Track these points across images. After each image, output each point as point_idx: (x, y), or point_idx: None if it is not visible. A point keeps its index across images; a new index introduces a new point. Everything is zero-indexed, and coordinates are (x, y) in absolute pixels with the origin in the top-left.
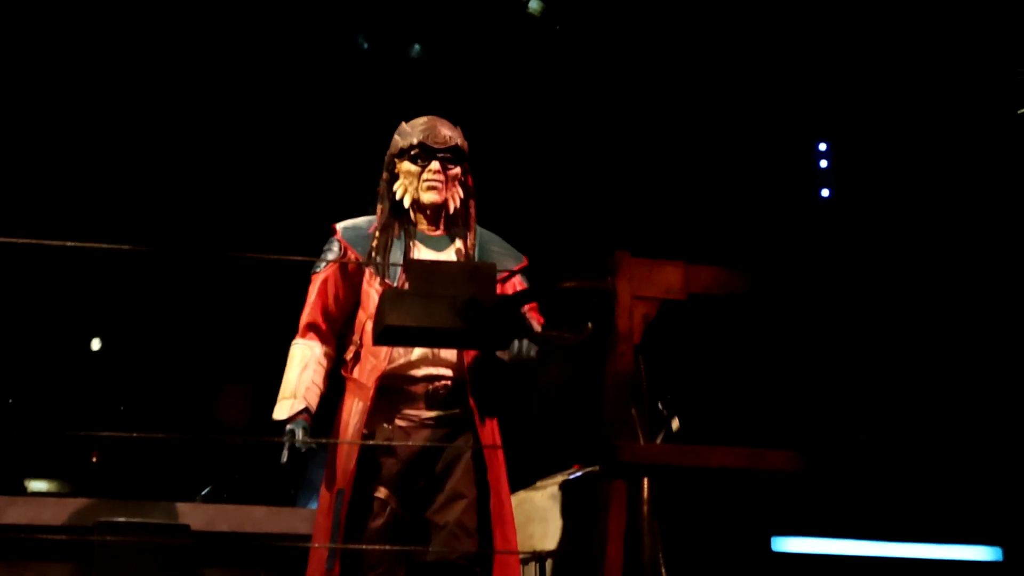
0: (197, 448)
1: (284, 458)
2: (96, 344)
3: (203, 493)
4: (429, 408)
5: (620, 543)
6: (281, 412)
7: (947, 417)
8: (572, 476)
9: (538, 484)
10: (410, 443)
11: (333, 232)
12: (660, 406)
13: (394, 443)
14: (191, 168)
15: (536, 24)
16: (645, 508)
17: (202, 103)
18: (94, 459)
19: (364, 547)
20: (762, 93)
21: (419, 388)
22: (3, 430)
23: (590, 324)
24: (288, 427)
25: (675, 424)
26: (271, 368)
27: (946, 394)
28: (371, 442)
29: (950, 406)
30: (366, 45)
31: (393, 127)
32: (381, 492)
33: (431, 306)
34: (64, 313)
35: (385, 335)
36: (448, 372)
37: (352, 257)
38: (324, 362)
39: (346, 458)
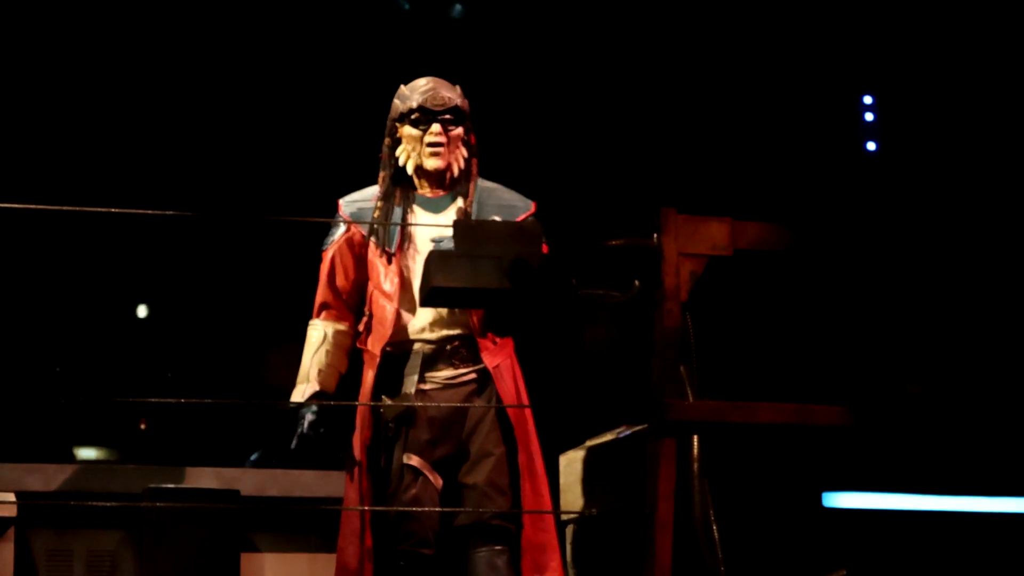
0: (245, 413)
1: (293, 444)
2: (143, 311)
3: (252, 458)
4: (451, 367)
5: (671, 501)
6: (295, 396)
7: (999, 367)
8: (621, 435)
9: (586, 444)
10: (432, 404)
11: (337, 208)
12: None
13: (415, 404)
14: (235, 132)
15: None
16: (695, 466)
17: (246, 67)
18: (142, 426)
19: (400, 509)
20: (807, 46)
21: (436, 349)
22: (51, 398)
23: (637, 282)
24: (300, 411)
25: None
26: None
27: (998, 344)
28: (383, 404)
29: (1002, 356)
30: (407, 6)
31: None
32: (414, 460)
33: (478, 267)
34: (110, 280)
35: (432, 296)
36: (462, 331)
37: (356, 231)
38: (341, 340)
39: (362, 428)
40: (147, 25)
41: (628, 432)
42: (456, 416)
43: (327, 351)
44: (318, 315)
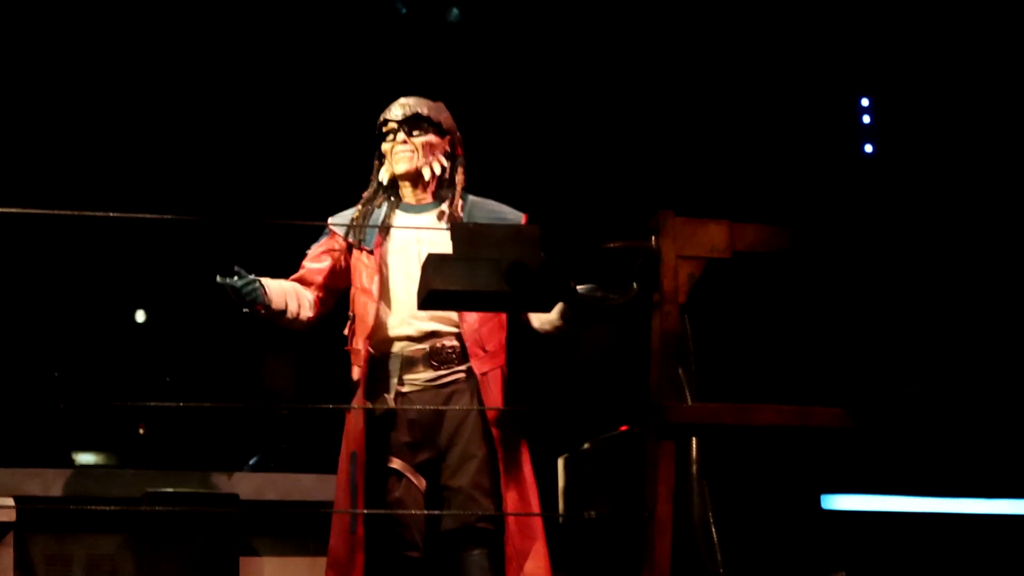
0: (244, 417)
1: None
2: (141, 316)
3: (251, 462)
4: (431, 369)
5: (669, 503)
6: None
7: (996, 369)
8: (619, 438)
9: (585, 446)
10: (414, 407)
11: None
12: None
13: (396, 408)
14: (234, 138)
15: None
16: (694, 468)
17: (244, 73)
18: (141, 430)
19: (391, 512)
20: (804, 48)
21: (420, 351)
22: (50, 403)
23: (635, 284)
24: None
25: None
26: (317, 337)
27: (995, 346)
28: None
29: (999, 358)
30: (404, 10)
31: (432, 93)
32: (395, 463)
33: (475, 270)
34: (108, 285)
35: (430, 300)
36: (448, 329)
37: (338, 240)
38: (300, 292)
39: (354, 423)
40: (143, 29)
41: (626, 434)
42: (437, 419)
43: (283, 281)
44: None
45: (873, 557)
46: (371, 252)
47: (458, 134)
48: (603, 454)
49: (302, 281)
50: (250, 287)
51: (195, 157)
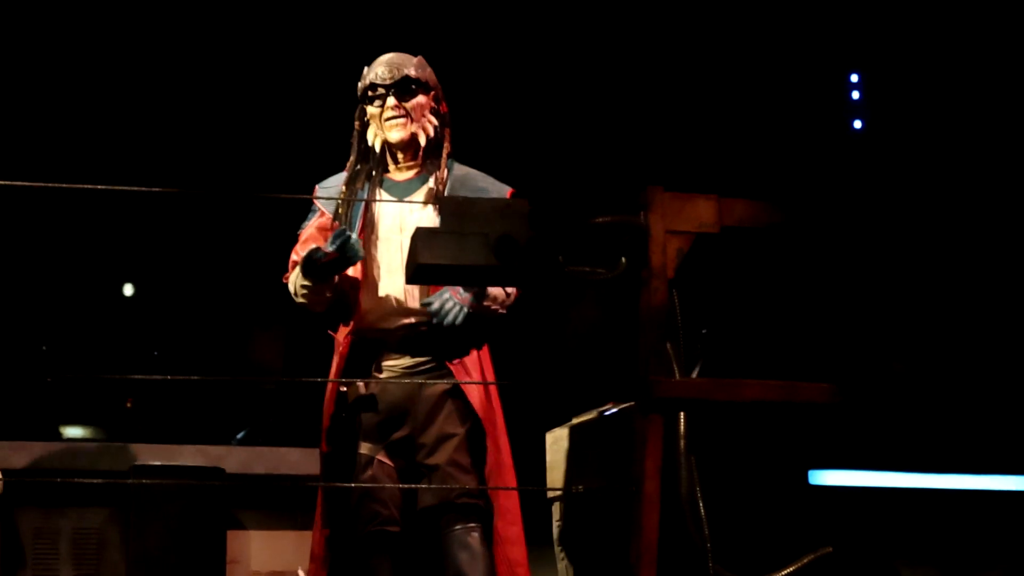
0: (231, 391)
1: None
2: (129, 289)
3: (238, 436)
4: (408, 354)
5: (657, 479)
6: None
7: (982, 346)
8: (607, 413)
9: (572, 422)
10: (385, 382)
11: (313, 193)
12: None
13: (368, 392)
14: (223, 111)
15: None
16: (682, 443)
17: (230, 49)
18: (128, 404)
19: (366, 486)
20: (793, 23)
21: (396, 336)
22: (37, 377)
23: (624, 259)
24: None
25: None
26: (304, 310)
27: (981, 323)
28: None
29: (985, 335)
30: None
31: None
32: (364, 448)
33: (464, 243)
34: (96, 258)
35: (419, 274)
36: (423, 320)
37: (326, 217)
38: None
39: (326, 412)
40: (131, 7)
41: (615, 410)
42: (409, 401)
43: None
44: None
45: (860, 532)
46: None
47: (440, 87)
48: (592, 430)
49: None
50: (354, 240)
51: (180, 130)
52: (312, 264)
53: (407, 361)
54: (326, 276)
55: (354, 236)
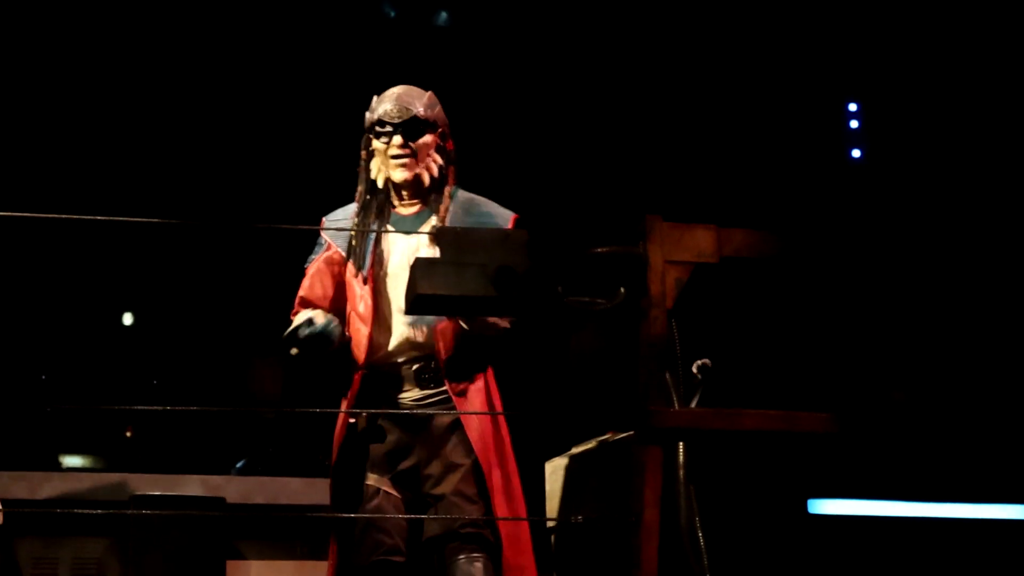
0: (231, 421)
1: (293, 351)
2: (128, 319)
3: (238, 466)
4: (417, 387)
5: (657, 508)
6: (298, 320)
7: (984, 375)
8: (607, 442)
9: (572, 451)
10: (393, 420)
11: (320, 225)
12: (695, 370)
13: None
14: (223, 143)
15: None
16: (681, 473)
17: (234, 77)
18: (128, 434)
19: (371, 516)
20: (792, 53)
21: (405, 370)
22: (37, 406)
23: (623, 289)
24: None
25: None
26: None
27: (982, 352)
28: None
29: (986, 364)
30: (392, 14)
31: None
32: (370, 478)
33: (463, 274)
34: (96, 289)
35: (417, 304)
36: (429, 354)
37: (334, 251)
38: (327, 315)
39: (335, 448)
40: (134, 35)
41: (614, 439)
42: (416, 433)
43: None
44: (300, 308)
45: (860, 562)
46: (365, 281)
47: (447, 125)
48: (591, 459)
49: (307, 303)
50: (331, 325)
51: (182, 161)
52: (296, 342)
53: (416, 393)
54: (313, 354)
55: (320, 321)
